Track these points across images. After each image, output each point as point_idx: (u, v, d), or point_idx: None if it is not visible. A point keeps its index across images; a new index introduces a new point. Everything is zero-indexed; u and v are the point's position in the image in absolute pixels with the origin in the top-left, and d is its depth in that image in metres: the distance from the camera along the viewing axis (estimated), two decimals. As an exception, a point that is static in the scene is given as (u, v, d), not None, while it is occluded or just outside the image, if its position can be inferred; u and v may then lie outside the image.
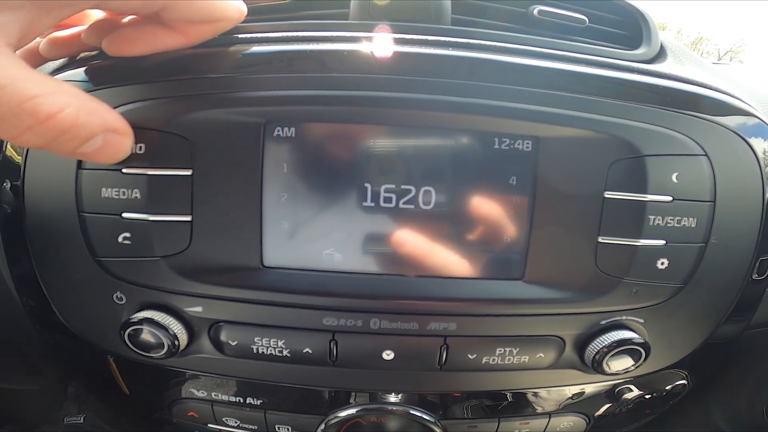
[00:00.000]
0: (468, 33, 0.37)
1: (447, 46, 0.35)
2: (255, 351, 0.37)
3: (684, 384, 0.47)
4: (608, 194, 0.34)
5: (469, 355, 0.37)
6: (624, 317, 0.37)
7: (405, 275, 0.35)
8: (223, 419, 0.45)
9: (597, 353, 0.36)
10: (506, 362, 0.37)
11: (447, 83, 0.33)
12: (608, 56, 0.38)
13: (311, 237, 0.35)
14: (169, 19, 0.31)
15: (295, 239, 0.35)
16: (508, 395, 0.43)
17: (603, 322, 0.37)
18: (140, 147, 0.32)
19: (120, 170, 0.33)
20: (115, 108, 0.32)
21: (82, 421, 0.59)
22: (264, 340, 0.36)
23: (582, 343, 0.37)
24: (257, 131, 0.33)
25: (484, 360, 0.37)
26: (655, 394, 0.47)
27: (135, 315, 0.35)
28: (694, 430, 0.62)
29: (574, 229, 0.35)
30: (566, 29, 0.41)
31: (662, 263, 0.35)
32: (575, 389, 0.43)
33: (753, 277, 0.39)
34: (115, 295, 0.36)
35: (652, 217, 0.34)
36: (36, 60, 0.36)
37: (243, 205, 0.34)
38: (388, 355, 0.37)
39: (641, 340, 0.36)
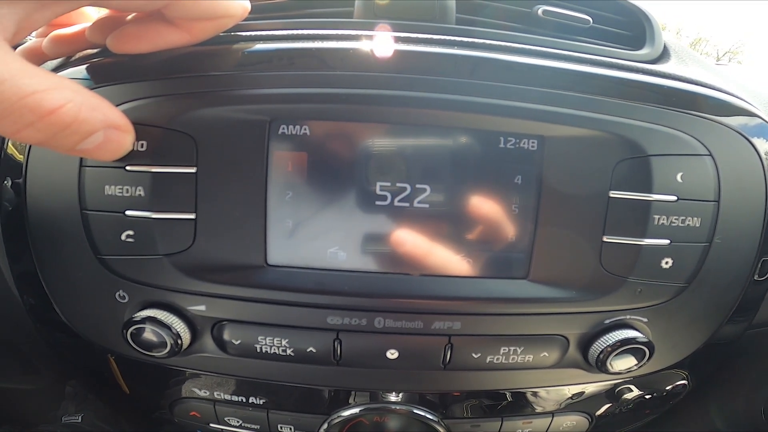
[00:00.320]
0: (472, 32, 0.37)
1: (452, 45, 0.35)
2: (258, 350, 0.37)
3: (684, 384, 0.47)
4: (613, 194, 0.34)
5: (474, 354, 0.37)
6: (628, 316, 0.37)
7: (409, 274, 0.35)
8: (226, 419, 0.45)
9: (601, 352, 0.36)
10: (510, 361, 0.37)
11: (453, 82, 0.33)
12: (613, 56, 0.38)
13: (315, 235, 0.35)
14: (172, 17, 0.31)
15: (300, 237, 0.35)
16: (512, 394, 0.43)
17: (607, 321, 0.37)
18: (144, 144, 0.32)
19: (123, 168, 0.33)
20: (118, 105, 0.32)
21: (80, 420, 0.59)
22: (267, 339, 0.36)
23: (586, 343, 0.37)
24: (262, 129, 0.33)
25: (488, 359, 0.37)
26: (655, 394, 0.47)
27: (137, 314, 0.35)
28: (693, 430, 0.62)
29: (578, 228, 0.35)
30: (570, 29, 0.42)
31: (666, 263, 0.35)
32: (578, 388, 0.43)
33: (755, 278, 0.39)
34: (117, 294, 0.36)
35: (656, 217, 0.34)
36: (38, 58, 0.35)
37: (247, 203, 0.34)
38: (392, 354, 0.37)
39: (645, 340, 0.36)
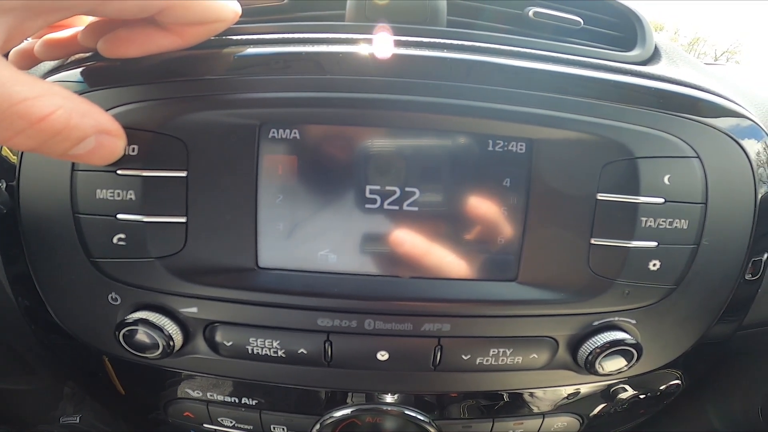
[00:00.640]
0: (463, 35, 0.37)
1: (442, 48, 0.35)
2: (250, 351, 0.37)
3: (678, 384, 0.47)
4: (601, 196, 0.34)
5: (463, 356, 0.37)
6: (616, 318, 0.37)
7: (399, 276, 0.36)
8: (219, 419, 0.45)
9: (590, 354, 0.36)
10: (500, 363, 0.37)
11: (441, 85, 0.33)
12: (602, 58, 0.38)
13: (306, 238, 0.35)
14: (164, 21, 0.31)
15: (290, 240, 0.35)
16: (502, 396, 0.43)
17: (596, 323, 0.37)
18: (135, 148, 0.33)
19: (115, 171, 0.33)
20: (110, 109, 0.32)
21: (77, 421, 0.59)
22: (259, 340, 0.37)
23: (575, 344, 0.38)
24: (252, 133, 0.33)
25: (477, 360, 0.37)
26: (649, 394, 0.47)
27: (130, 316, 0.35)
28: (689, 430, 0.62)
29: (567, 230, 0.35)
30: (561, 30, 0.42)
31: (654, 264, 0.35)
32: (569, 389, 0.44)
33: (746, 278, 0.39)
34: (110, 296, 0.36)
35: (644, 219, 0.34)
36: (30, 61, 0.36)
37: (238, 206, 0.34)
38: (382, 355, 0.37)
39: (633, 341, 0.36)
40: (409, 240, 0.35)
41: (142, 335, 0.35)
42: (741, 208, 0.36)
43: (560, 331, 0.37)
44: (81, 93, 0.33)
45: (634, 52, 0.41)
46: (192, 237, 0.34)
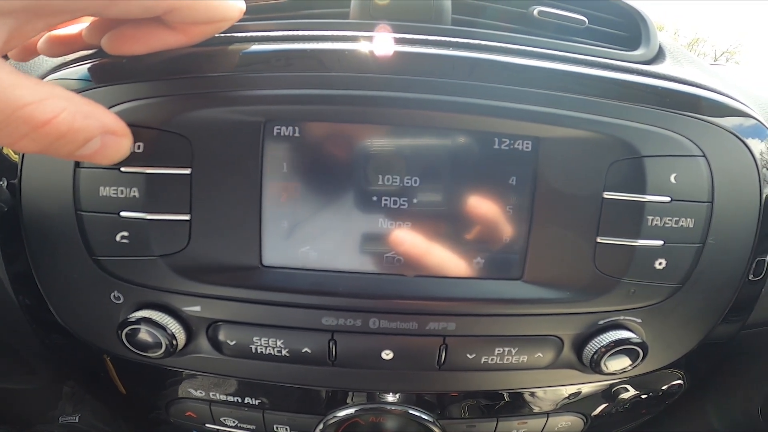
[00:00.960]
0: (468, 33, 0.37)
1: (447, 46, 0.35)
2: (254, 351, 0.37)
3: (680, 384, 0.47)
4: (607, 195, 0.34)
5: (468, 355, 0.37)
6: (622, 317, 0.37)
7: (404, 275, 0.35)
8: (221, 419, 0.45)
9: (595, 353, 0.36)
10: (505, 362, 0.37)
11: (447, 83, 0.33)
12: (608, 57, 0.38)
13: (310, 236, 0.35)
14: (169, 20, 0.31)
15: (294, 238, 0.35)
16: (507, 395, 0.43)
17: (601, 322, 0.37)
18: (139, 146, 0.32)
19: (118, 169, 0.33)
20: (113, 106, 0.32)
21: (77, 420, 0.59)
22: (263, 339, 0.36)
23: (580, 343, 0.38)
24: (257, 130, 0.33)
25: (482, 360, 0.37)
26: (651, 394, 0.47)
27: (132, 314, 0.35)
28: (690, 430, 0.62)
29: (573, 229, 0.35)
30: (566, 30, 0.42)
31: (660, 263, 0.35)
32: (573, 389, 0.43)
33: (749, 278, 0.39)
34: (112, 295, 0.36)
35: (650, 218, 0.34)
36: (31, 55, 0.35)
37: (242, 204, 0.34)
38: (387, 354, 0.37)
39: (639, 340, 0.36)
40: (414, 238, 0.35)
41: (144, 334, 0.35)
42: (746, 208, 0.36)
43: (565, 330, 0.37)
44: (84, 90, 0.33)
45: (639, 52, 0.41)
46: (196, 235, 0.34)
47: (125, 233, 0.34)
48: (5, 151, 0.36)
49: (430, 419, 0.43)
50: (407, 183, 0.34)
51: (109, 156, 0.30)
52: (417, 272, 0.35)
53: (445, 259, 0.35)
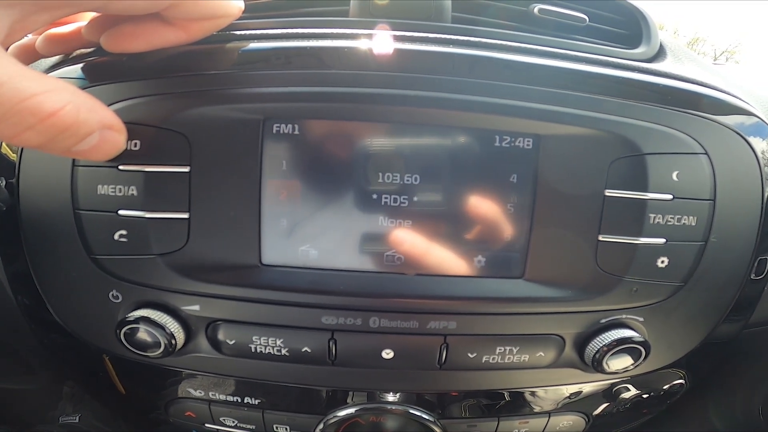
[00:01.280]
0: (468, 31, 0.37)
1: (447, 44, 0.35)
2: (253, 350, 0.37)
3: (681, 383, 0.47)
4: (609, 192, 0.34)
5: (469, 354, 0.37)
6: (624, 316, 0.37)
7: (405, 274, 0.35)
8: (221, 419, 0.45)
9: (597, 352, 0.36)
10: (506, 361, 0.37)
11: (447, 80, 0.33)
12: (609, 55, 0.38)
13: (310, 235, 0.35)
14: (169, 17, 0.31)
15: (294, 237, 0.35)
16: (508, 394, 0.43)
17: (603, 320, 0.37)
18: (137, 144, 0.32)
19: (116, 167, 0.32)
20: (112, 104, 0.32)
21: (77, 420, 0.59)
22: (262, 339, 0.36)
23: (582, 342, 0.37)
24: (256, 128, 0.33)
25: (483, 359, 0.37)
26: (652, 394, 0.47)
27: (131, 314, 0.35)
28: (690, 429, 0.62)
29: (574, 227, 0.34)
30: (566, 28, 0.41)
31: (662, 262, 0.35)
32: (574, 388, 0.43)
33: (751, 277, 0.39)
34: (111, 294, 0.35)
35: (652, 216, 0.34)
36: (31, 56, 0.35)
37: (241, 202, 0.34)
38: (387, 354, 0.37)
39: (641, 339, 0.36)
40: (415, 237, 0.35)
41: (143, 333, 0.35)
42: (748, 206, 0.36)
43: (567, 328, 0.37)
44: (83, 88, 0.33)
45: (640, 50, 0.41)
46: (194, 233, 0.34)
47: (124, 232, 0.33)
48: (3, 150, 0.36)
49: (431, 419, 0.43)
50: (407, 181, 0.34)
51: (105, 151, 0.30)
52: (417, 271, 0.35)
53: (445, 257, 0.35)
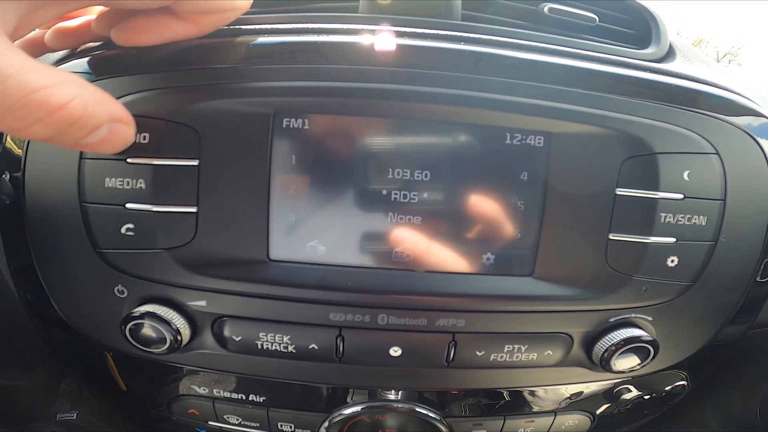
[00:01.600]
0: (478, 29, 0.37)
1: (457, 41, 0.35)
2: (259, 346, 0.36)
3: (684, 385, 0.47)
4: (620, 191, 0.34)
5: (477, 352, 0.37)
6: (633, 315, 0.37)
7: (414, 270, 0.35)
8: (225, 416, 0.44)
9: (605, 351, 0.36)
10: (514, 359, 0.37)
11: (458, 77, 0.33)
12: (619, 54, 0.38)
13: (319, 230, 0.35)
14: (179, 10, 0.31)
15: (302, 232, 0.34)
16: (514, 393, 0.43)
17: (612, 319, 0.37)
18: (146, 137, 0.32)
19: (124, 160, 0.32)
20: (121, 97, 0.32)
21: (74, 417, 0.58)
22: (269, 335, 0.36)
23: (590, 341, 0.37)
24: (266, 122, 0.32)
25: (492, 357, 0.37)
26: (654, 395, 0.47)
27: (136, 309, 0.34)
28: (687, 430, 0.62)
29: (584, 225, 0.34)
30: (576, 27, 0.41)
31: (672, 261, 0.35)
32: (581, 387, 0.43)
33: (757, 279, 0.39)
34: (116, 288, 0.35)
35: (663, 215, 0.34)
36: (39, 50, 0.35)
37: (250, 197, 0.33)
38: (395, 351, 0.36)
39: (650, 338, 0.36)
40: (424, 234, 0.35)
41: (148, 329, 0.34)
42: (757, 207, 0.36)
43: (576, 327, 0.37)
44: (92, 82, 0.32)
45: (649, 50, 0.41)
46: (202, 228, 0.33)
47: (130, 225, 0.33)
48: (8, 144, 0.36)
49: (437, 417, 0.42)
50: (417, 178, 0.34)
51: (114, 144, 0.30)
52: (427, 268, 0.35)
53: (454, 255, 0.35)
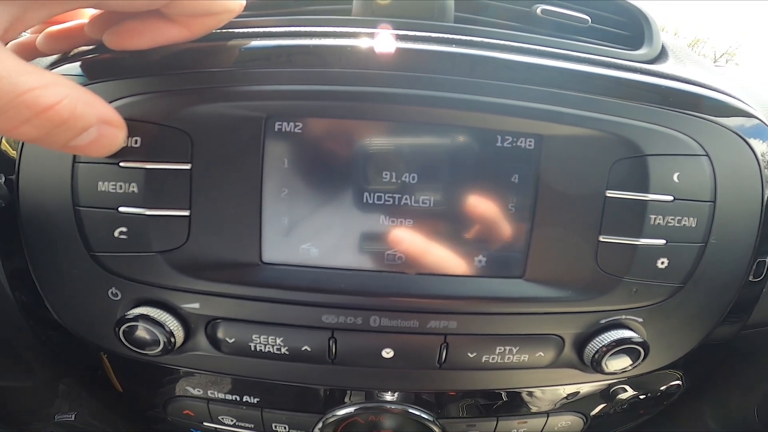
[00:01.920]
0: (471, 31, 0.37)
1: (450, 43, 0.35)
2: (253, 348, 0.36)
3: (678, 385, 0.47)
4: (610, 193, 0.34)
5: (469, 354, 0.37)
6: (623, 316, 0.37)
7: (405, 273, 0.35)
8: (219, 417, 0.44)
9: (596, 352, 0.36)
10: (506, 361, 0.37)
11: (450, 80, 0.33)
12: (611, 56, 0.38)
13: (311, 233, 0.35)
14: (171, 14, 0.31)
15: (295, 235, 0.35)
16: (507, 394, 0.43)
17: (602, 321, 0.37)
18: (138, 141, 0.32)
19: (117, 164, 0.32)
20: (113, 101, 0.32)
21: (73, 418, 0.58)
22: (262, 337, 0.36)
23: (581, 342, 0.37)
24: (258, 126, 0.33)
25: (483, 358, 0.37)
26: (649, 395, 0.47)
27: (130, 311, 0.34)
28: (685, 430, 0.62)
29: (575, 227, 0.35)
30: (569, 29, 0.42)
31: (662, 263, 0.35)
32: (573, 388, 0.43)
33: (750, 279, 0.39)
34: (110, 291, 0.35)
35: (653, 217, 0.34)
36: (31, 54, 0.35)
37: (242, 200, 0.33)
38: (387, 353, 0.36)
39: (640, 340, 0.36)
40: (416, 236, 0.35)
41: (142, 331, 0.35)
42: (748, 208, 0.36)
43: (567, 329, 0.37)
44: (84, 85, 0.33)
45: (642, 51, 0.41)
46: (195, 231, 0.34)
47: (124, 229, 0.33)
48: (3, 147, 0.36)
49: (430, 418, 0.43)
50: (409, 180, 0.34)
51: (103, 147, 0.30)
52: (418, 270, 0.35)
53: (446, 257, 0.35)
